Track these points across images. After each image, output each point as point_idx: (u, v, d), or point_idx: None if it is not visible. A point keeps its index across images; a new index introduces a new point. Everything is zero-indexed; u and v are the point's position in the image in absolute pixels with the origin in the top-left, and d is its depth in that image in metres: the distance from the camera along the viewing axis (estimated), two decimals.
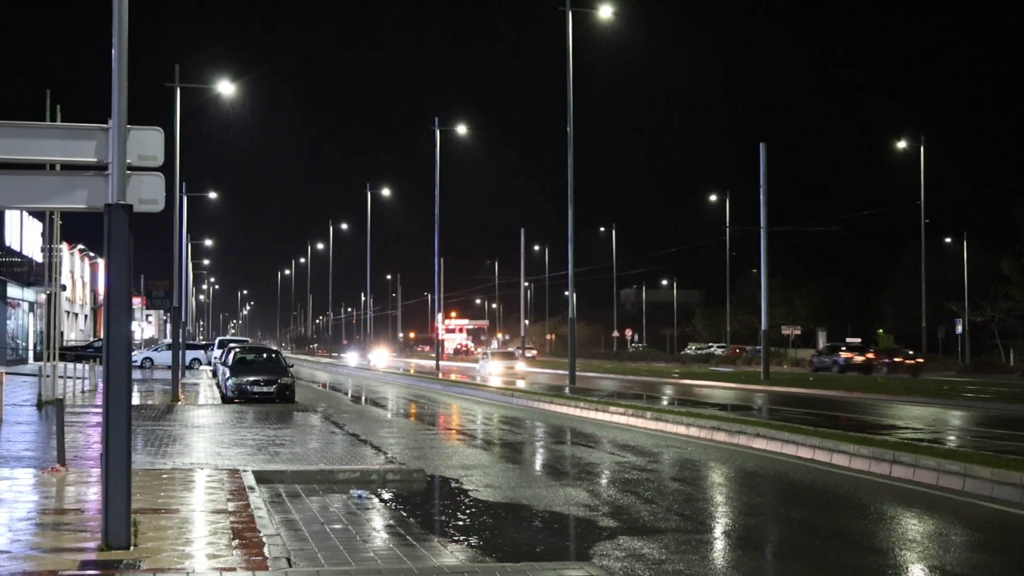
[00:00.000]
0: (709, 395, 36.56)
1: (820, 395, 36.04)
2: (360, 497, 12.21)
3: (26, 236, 51.75)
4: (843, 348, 62.38)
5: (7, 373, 37.60)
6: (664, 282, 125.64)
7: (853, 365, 57.93)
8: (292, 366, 33.59)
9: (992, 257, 70.99)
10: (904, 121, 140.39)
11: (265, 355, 33.35)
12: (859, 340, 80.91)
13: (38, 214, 45.10)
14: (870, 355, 59.13)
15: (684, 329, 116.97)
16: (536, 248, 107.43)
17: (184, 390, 31.17)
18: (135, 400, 27.20)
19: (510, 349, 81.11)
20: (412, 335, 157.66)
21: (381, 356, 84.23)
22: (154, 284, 34.17)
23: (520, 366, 55.08)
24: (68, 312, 64.80)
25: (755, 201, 50.10)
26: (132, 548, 8.21)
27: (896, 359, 57.42)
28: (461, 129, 56.76)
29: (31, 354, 55.27)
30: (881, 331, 76.35)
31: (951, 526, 10.96)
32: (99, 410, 19.17)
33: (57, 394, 24.53)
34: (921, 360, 57.27)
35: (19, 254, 51.12)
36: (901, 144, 64.34)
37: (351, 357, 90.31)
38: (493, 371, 53.03)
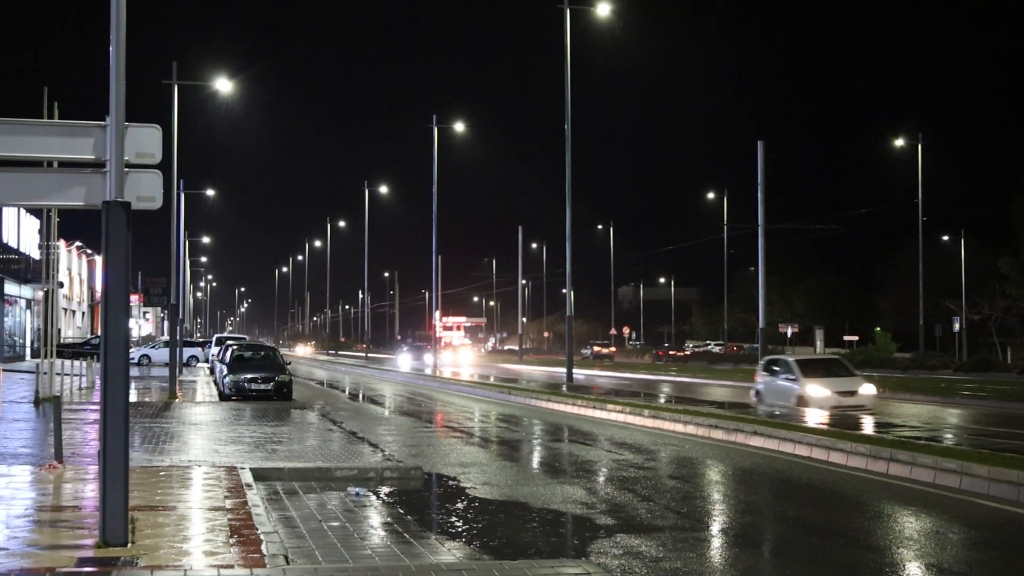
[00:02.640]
0: (707, 392, 36.57)
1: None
2: (357, 495, 12.22)
3: (23, 233, 51.70)
4: (595, 343, 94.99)
5: (4, 370, 37.58)
6: (662, 280, 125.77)
7: (600, 355, 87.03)
8: (290, 363, 33.57)
9: (989, 255, 71.08)
10: (902, 119, 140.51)
11: (263, 352, 33.35)
12: (856, 337, 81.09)
13: (35, 211, 45.02)
14: (612, 349, 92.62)
15: (682, 327, 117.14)
16: (534, 246, 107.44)
17: (181, 387, 31.15)
18: (132, 397, 27.19)
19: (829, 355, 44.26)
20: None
21: (460, 358, 66.29)
22: (152, 281, 34.25)
23: (868, 390, 25.87)
24: (65, 309, 64.75)
25: (753, 199, 50.05)
26: (130, 545, 8.21)
27: (659, 352, 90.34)
28: (459, 127, 56.75)
29: (28, 351, 55.23)
30: (879, 329, 76.35)
31: (948, 524, 10.97)
32: (96, 407, 19.14)
33: (54, 391, 24.52)
34: (688, 353, 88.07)
35: (16, 251, 51.08)
36: (899, 142, 64.33)
37: (404, 360, 70.98)
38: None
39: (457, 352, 72.72)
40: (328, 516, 10.80)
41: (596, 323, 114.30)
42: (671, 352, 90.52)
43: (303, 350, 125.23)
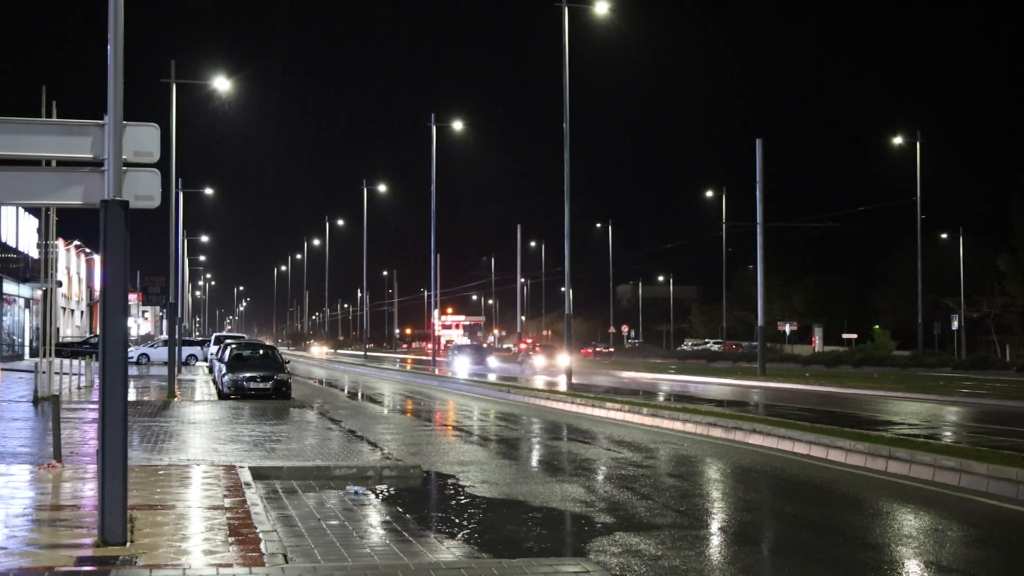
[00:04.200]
0: (705, 391, 36.58)
1: (816, 391, 36.08)
2: (356, 493, 12.22)
3: (22, 232, 51.69)
4: (523, 341, 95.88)
5: (3, 369, 37.54)
6: (660, 278, 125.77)
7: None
8: (288, 362, 33.52)
9: (988, 253, 71.13)
10: (900, 117, 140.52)
11: (262, 351, 33.33)
12: (855, 335, 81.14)
13: (34, 210, 45.04)
14: (538, 349, 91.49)
15: (680, 325, 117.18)
16: (532, 244, 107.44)
17: (180, 386, 31.14)
18: (131, 396, 27.18)
19: None
20: (408, 331, 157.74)
21: (558, 363, 50.96)
22: (150, 280, 34.22)
23: None
24: (64, 308, 64.73)
25: (752, 197, 50.20)
26: (129, 544, 8.21)
27: (584, 350, 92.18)
28: (457, 125, 56.72)
29: (27, 350, 55.22)
30: (877, 327, 76.40)
31: (947, 522, 10.98)
32: (95, 406, 19.12)
33: (53, 390, 24.52)
34: (612, 350, 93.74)
35: (15, 250, 51.07)
36: (897, 140, 64.35)
37: (461, 364, 58.26)
38: None
39: (552, 357, 53.74)
40: (327, 515, 10.80)
41: (595, 321, 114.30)
42: (598, 349, 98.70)
43: (319, 350, 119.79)
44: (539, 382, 37.92)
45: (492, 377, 45.35)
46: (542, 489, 12.97)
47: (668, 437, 19.73)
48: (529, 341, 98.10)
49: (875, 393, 33.94)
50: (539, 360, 57.25)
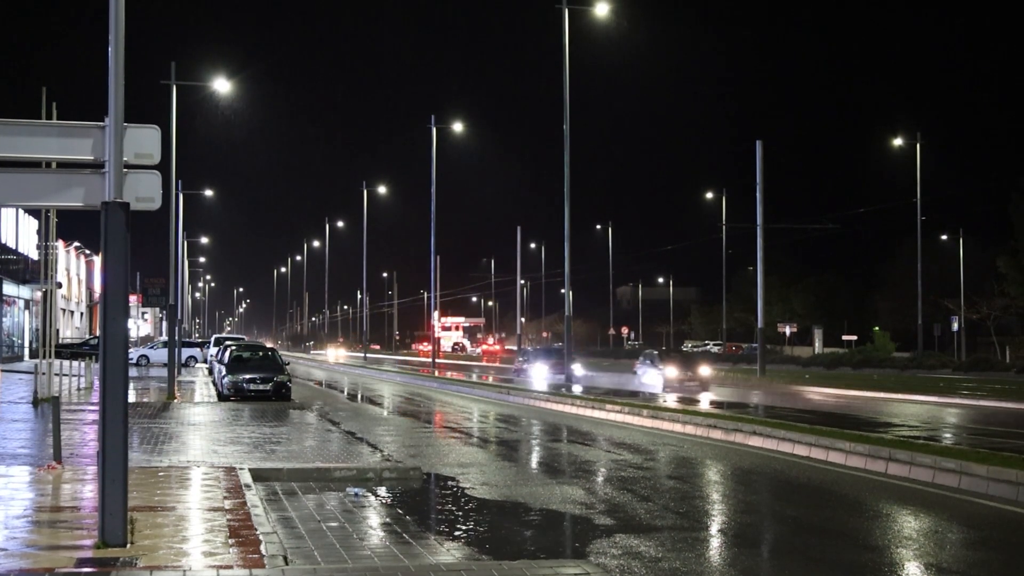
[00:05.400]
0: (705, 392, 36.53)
1: (816, 392, 36.07)
2: (356, 495, 12.22)
3: (22, 233, 51.66)
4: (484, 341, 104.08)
5: (3, 371, 37.56)
6: (660, 280, 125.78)
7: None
8: (288, 364, 33.52)
9: (988, 254, 71.09)
10: (900, 118, 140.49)
11: (261, 353, 33.32)
12: (855, 337, 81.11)
13: (34, 212, 45.03)
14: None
15: (680, 326, 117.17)
16: (532, 246, 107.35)
17: (180, 388, 31.13)
18: (131, 398, 27.16)
19: None
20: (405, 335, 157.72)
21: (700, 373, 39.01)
22: (150, 282, 34.25)
23: None
24: (64, 310, 64.68)
25: (752, 198, 50.19)
26: (129, 545, 8.21)
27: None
28: (457, 127, 56.72)
29: (27, 352, 55.19)
30: (877, 328, 76.38)
31: (947, 523, 10.98)
32: (95, 408, 19.14)
33: (53, 392, 24.50)
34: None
35: (15, 251, 51.04)
36: (897, 141, 64.28)
37: (538, 372, 46.52)
38: None
39: (691, 366, 40.13)
40: (327, 516, 10.80)
41: (594, 323, 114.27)
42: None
43: (334, 353, 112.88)
44: (671, 401, 29.55)
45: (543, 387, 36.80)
46: (542, 491, 12.97)
47: (668, 439, 19.73)
48: (491, 341, 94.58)
49: (875, 394, 33.94)
50: (670, 370, 39.60)
